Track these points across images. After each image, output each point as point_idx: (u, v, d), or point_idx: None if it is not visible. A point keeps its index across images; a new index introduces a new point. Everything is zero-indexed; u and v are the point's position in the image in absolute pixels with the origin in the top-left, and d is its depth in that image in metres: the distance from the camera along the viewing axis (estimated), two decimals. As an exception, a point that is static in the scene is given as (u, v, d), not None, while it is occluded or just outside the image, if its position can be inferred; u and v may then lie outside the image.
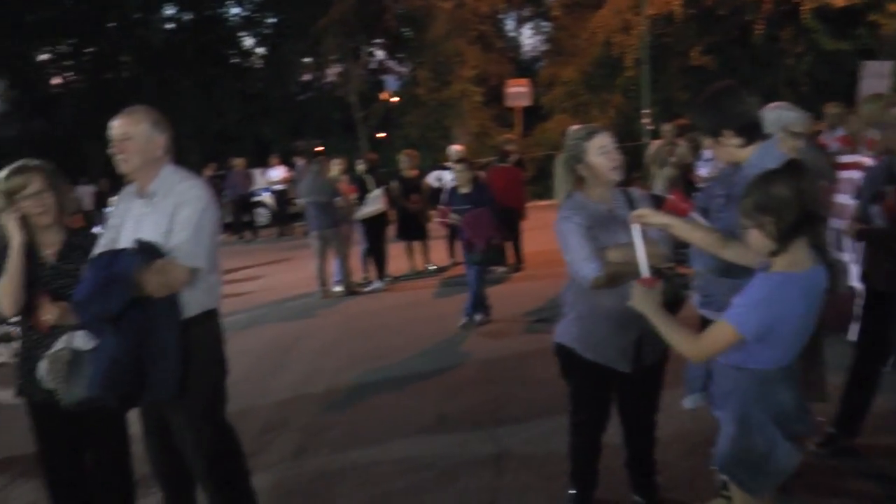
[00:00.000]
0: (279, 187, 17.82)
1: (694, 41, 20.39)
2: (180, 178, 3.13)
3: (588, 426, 3.34)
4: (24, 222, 3.12)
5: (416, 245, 10.63)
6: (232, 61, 29.14)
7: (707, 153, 8.34)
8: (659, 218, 2.80)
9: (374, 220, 9.79)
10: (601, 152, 3.09)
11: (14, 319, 3.27)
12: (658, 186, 7.43)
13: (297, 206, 14.87)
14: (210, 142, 24.87)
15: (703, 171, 8.05)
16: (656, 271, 2.72)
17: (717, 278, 2.96)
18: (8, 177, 3.12)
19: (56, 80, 27.48)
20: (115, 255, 2.96)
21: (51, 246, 3.21)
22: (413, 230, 10.35)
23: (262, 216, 18.51)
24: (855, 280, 4.64)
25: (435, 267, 10.69)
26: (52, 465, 3.30)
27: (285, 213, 17.82)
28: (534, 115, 21.81)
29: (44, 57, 26.69)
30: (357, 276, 9.98)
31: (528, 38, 29.34)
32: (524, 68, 25.31)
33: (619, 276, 2.95)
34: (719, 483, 3.20)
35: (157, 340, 2.92)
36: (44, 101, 23.73)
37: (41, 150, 3.35)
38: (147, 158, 3.07)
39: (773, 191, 2.26)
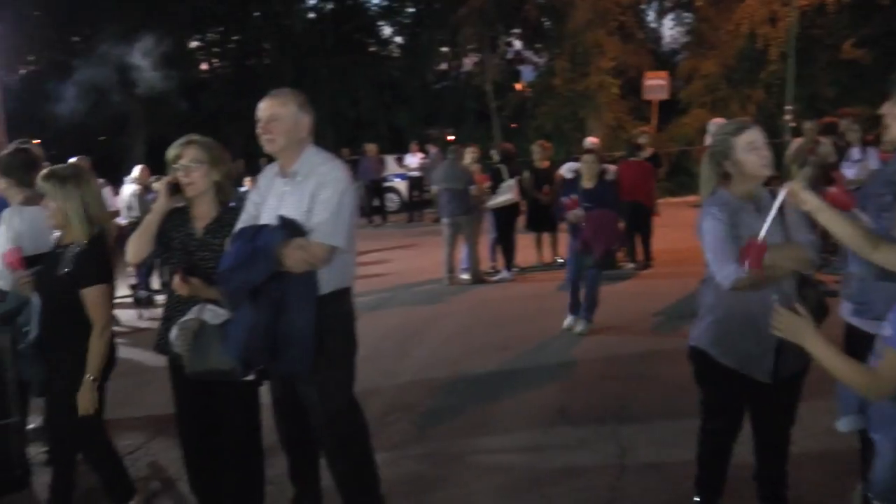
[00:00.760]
0: (415, 174, 18.07)
1: (847, 33, 19.15)
2: (322, 159, 3.22)
3: (719, 434, 3.20)
4: (175, 189, 3.31)
5: (545, 237, 10.53)
6: (370, 49, 29.78)
7: (855, 153, 7.82)
8: (815, 202, 2.57)
9: (505, 209, 9.79)
10: (750, 148, 2.93)
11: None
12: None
13: (430, 192, 15.06)
14: (345, 127, 25.52)
15: (849, 172, 7.55)
16: (801, 278, 2.56)
17: (876, 283, 2.70)
18: (171, 147, 3.35)
19: (203, 66, 29.07)
20: (259, 229, 3.09)
21: (202, 219, 3.36)
22: (543, 222, 10.22)
23: (392, 202, 18.82)
24: None
25: (563, 260, 10.54)
26: (186, 425, 3.47)
27: (416, 199, 18.06)
28: (671, 109, 21.10)
29: (194, 44, 28.24)
30: (485, 265, 10.02)
31: (669, 30, 28.43)
32: (663, 61, 24.54)
33: (761, 279, 2.79)
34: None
35: (294, 315, 3.01)
36: (193, 86, 25.09)
37: (186, 131, 3.54)
38: (292, 139, 3.18)
39: None
